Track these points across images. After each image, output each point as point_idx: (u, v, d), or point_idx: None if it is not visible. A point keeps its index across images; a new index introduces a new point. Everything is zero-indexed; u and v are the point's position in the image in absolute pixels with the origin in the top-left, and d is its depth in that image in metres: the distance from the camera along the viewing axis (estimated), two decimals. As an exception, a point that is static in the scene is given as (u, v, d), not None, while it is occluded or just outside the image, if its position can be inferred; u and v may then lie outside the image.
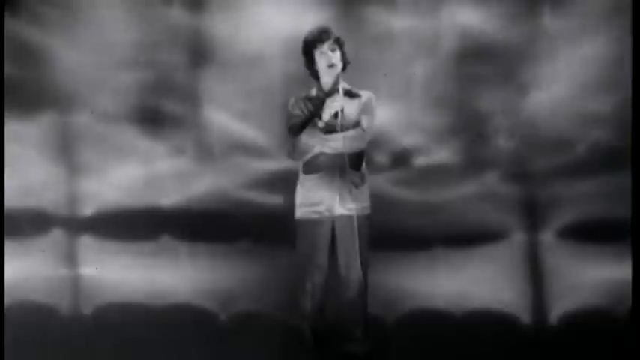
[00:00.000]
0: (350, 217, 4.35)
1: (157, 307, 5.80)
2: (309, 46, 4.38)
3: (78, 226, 5.94)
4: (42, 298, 5.82)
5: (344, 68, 4.42)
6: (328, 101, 4.31)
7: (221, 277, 5.81)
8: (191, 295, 5.82)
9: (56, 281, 5.87)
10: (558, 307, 5.65)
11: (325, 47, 4.34)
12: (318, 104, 4.35)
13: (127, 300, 5.82)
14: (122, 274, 5.87)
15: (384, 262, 5.32)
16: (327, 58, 4.34)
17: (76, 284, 5.90)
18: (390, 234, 5.43)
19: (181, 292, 5.83)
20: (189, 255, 5.86)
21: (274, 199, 5.77)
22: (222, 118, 5.92)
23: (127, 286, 5.84)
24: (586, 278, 5.60)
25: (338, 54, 4.37)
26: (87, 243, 5.95)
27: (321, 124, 4.30)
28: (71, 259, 5.93)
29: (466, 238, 5.74)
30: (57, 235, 5.93)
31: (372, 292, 4.46)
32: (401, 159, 5.83)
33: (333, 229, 4.39)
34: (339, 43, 4.39)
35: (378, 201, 4.62)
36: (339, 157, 4.36)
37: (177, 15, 5.87)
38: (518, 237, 5.80)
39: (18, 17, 5.78)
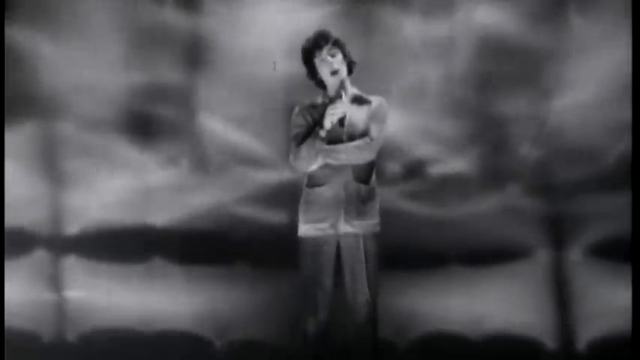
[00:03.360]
0: (356, 236, 4.25)
1: (148, 334, 5.72)
2: (308, 55, 4.33)
3: (62, 245, 5.84)
4: (22, 323, 5.71)
5: (350, 71, 4.36)
6: (329, 108, 4.21)
7: (218, 302, 5.72)
8: (185, 321, 5.72)
9: (38, 306, 5.78)
10: (586, 333, 5.52)
11: (324, 53, 4.28)
12: (323, 112, 4.25)
13: (116, 326, 5.73)
14: (110, 298, 5.77)
15: (395, 282, 5.27)
16: (329, 65, 4.28)
17: (60, 309, 5.81)
18: (402, 252, 5.35)
19: (174, 317, 5.73)
20: (184, 278, 5.77)
21: (276, 215, 5.69)
22: (219, 125, 5.82)
23: (116, 311, 5.74)
24: (617, 301, 5.32)
25: (339, 57, 4.30)
26: (72, 264, 5.84)
27: (322, 133, 4.20)
28: (55, 281, 5.83)
29: (485, 255, 5.60)
30: (39, 255, 5.84)
31: (381, 314, 4.35)
32: (414, 170, 5.72)
33: (338, 248, 4.29)
34: (339, 45, 4.32)
35: (389, 217, 4.50)
36: (344, 169, 4.26)
37: (170, 15, 5.81)
38: (543, 255, 5.63)
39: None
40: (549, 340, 5.56)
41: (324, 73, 4.30)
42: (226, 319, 5.69)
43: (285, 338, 5.27)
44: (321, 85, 4.37)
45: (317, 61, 4.30)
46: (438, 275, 5.62)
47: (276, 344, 5.48)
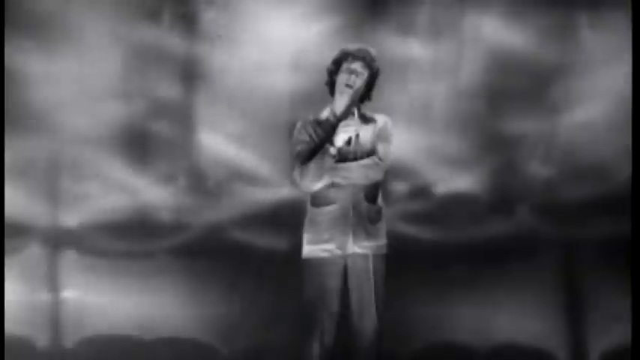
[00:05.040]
0: (364, 257, 4.19)
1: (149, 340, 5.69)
2: (341, 58, 4.30)
3: (60, 240, 5.76)
4: (15, 328, 5.55)
5: (362, 100, 4.34)
6: (342, 125, 4.16)
7: (224, 309, 5.67)
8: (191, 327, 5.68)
9: (32, 308, 5.66)
10: (600, 344, 5.51)
11: (354, 65, 4.25)
12: (328, 129, 4.21)
13: (116, 332, 5.66)
14: (111, 299, 5.70)
15: (398, 289, 5.04)
16: (348, 77, 4.25)
17: (56, 311, 5.70)
18: (409, 270, 5.29)
19: (178, 323, 5.68)
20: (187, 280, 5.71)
21: (278, 236, 5.61)
22: (218, 142, 5.79)
23: (116, 314, 5.67)
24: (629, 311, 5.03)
25: (362, 80, 4.27)
26: (70, 260, 5.75)
27: (333, 151, 4.13)
28: (51, 281, 5.74)
29: (491, 259, 5.59)
30: (34, 251, 5.74)
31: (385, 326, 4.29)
32: (419, 190, 5.70)
33: (345, 270, 4.22)
34: (371, 71, 4.30)
35: (395, 238, 4.46)
36: (352, 188, 4.20)
37: (167, 29, 5.80)
38: (553, 261, 5.66)
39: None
40: (560, 352, 5.55)
41: (340, 79, 4.26)
42: (232, 325, 5.65)
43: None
44: (331, 91, 4.34)
45: (344, 66, 4.27)
46: (443, 282, 5.59)
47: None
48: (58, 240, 5.72)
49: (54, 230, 5.72)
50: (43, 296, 5.69)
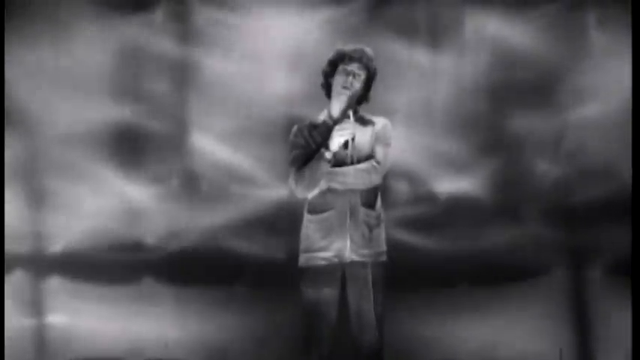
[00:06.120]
0: (363, 265, 4.12)
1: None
2: (337, 59, 4.25)
3: (44, 265, 5.77)
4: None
5: (359, 102, 4.28)
6: (337, 128, 4.08)
7: (213, 329, 5.65)
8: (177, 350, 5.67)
9: (17, 333, 5.63)
10: None
11: (351, 66, 4.21)
12: (325, 132, 4.15)
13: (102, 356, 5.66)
14: (97, 324, 5.67)
15: (400, 305, 5.16)
16: (345, 79, 4.20)
17: (41, 336, 5.72)
18: (407, 276, 5.25)
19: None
20: (175, 302, 5.72)
21: (274, 242, 5.64)
22: (211, 143, 5.77)
23: (103, 339, 5.66)
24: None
25: (359, 81, 4.23)
26: (55, 286, 5.75)
27: (328, 155, 4.05)
28: (36, 305, 5.75)
29: (497, 276, 5.57)
30: (18, 276, 5.75)
31: (385, 341, 4.21)
32: (421, 194, 5.68)
33: (343, 280, 4.16)
34: (369, 72, 4.25)
35: (395, 244, 4.44)
36: (350, 193, 4.13)
37: (160, 27, 5.78)
38: (560, 276, 5.63)
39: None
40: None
41: (337, 81, 4.21)
42: (221, 349, 5.66)
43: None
44: (328, 93, 4.29)
45: (340, 68, 4.22)
46: (447, 297, 5.58)
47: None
48: (41, 263, 5.76)
49: (38, 254, 5.74)
50: (28, 321, 5.70)
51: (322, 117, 4.25)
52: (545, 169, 5.63)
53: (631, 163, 4.90)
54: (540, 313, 5.52)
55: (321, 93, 4.30)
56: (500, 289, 5.57)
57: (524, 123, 5.64)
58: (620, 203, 5.42)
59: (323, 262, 4.13)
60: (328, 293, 4.14)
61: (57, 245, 5.75)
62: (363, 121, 4.20)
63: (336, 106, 4.21)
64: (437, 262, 5.57)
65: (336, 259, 4.11)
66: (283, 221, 5.44)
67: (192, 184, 5.78)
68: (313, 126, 4.23)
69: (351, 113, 4.13)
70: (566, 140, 5.64)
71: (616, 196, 5.51)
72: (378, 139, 4.20)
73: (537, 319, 5.52)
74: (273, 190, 5.67)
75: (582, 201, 5.62)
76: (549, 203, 5.63)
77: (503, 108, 5.65)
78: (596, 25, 5.59)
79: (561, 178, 5.63)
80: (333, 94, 4.21)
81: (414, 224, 5.63)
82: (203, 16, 5.78)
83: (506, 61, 5.62)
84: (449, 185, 5.68)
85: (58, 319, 5.70)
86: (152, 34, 5.76)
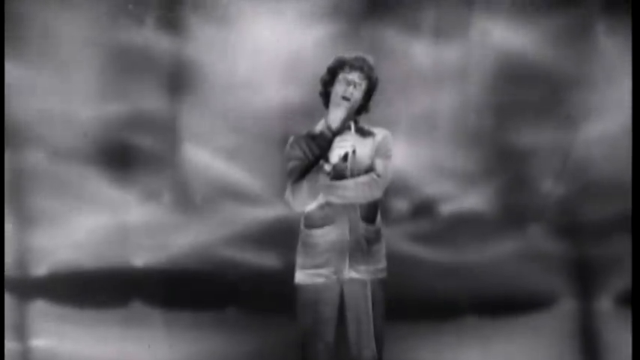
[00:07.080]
0: (362, 282, 4.08)
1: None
2: (337, 67, 4.20)
3: (29, 288, 5.74)
4: None
5: (359, 112, 4.24)
6: (337, 140, 4.02)
7: (204, 353, 5.60)
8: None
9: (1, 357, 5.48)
10: None
11: (352, 75, 4.15)
12: (323, 144, 4.10)
13: None
14: (83, 348, 5.63)
15: (402, 334, 5.23)
16: (345, 88, 4.15)
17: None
18: (409, 300, 5.29)
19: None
20: (165, 325, 5.68)
21: (269, 259, 5.62)
22: (205, 157, 5.76)
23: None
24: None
25: (360, 91, 4.17)
26: (40, 309, 5.71)
27: (327, 168, 4.00)
28: (20, 329, 5.71)
29: (502, 304, 5.56)
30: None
31: None
32: (423, 209, 5.68)
33: (341, 297, 4.12)
34: (370, 83, 4.20)
35: (395, 261, 4.33)
36: (349, 208, 4.09)
37: (151, 36, 5.73)
38: (568, 304, 5.64)
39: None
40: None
41: (336, 91, 4.16)
42: None
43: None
44: (326, 102, 4.24)
45: (340, 76, 4.16)
46: (450, 326, 5.59)
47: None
48: (26, 285, 5.74)
49: (23, 276, 5.70)
50: (11, 345, 5.63)
51: (319, 127, 4.20)
52: (550, 185, 5.63)
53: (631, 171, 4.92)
54: (546, 342, 5.54)
55: (318, 104, 4.25)
56: (504, 317, 5.56)
57: (531, 136, 5.64)
58: (626, 220, 5.32)
59: (321, 280, 4.08)
60: (326, 312, 4.08)
61: (42, 267, 5.72)
62: (362, 133, 4.16)
63: (335, 117, 4.16)
64: (439, 278, 5.56)
65: (334, 276, 4.06)
66: (279, 237, 5.40)
67: (185, 199, 5.76)
68: (311, 137, 4.19)
69: (352, 124, 4.07)
70: (573, 154, 5.64)
71: (625, 211, 5.34)
72: (378, 151, 4.16)
73: (543, 349, 5.54)
74: (268, 205, 5.65)
75: (590, 217, 5.60)
76: (555, 219, 5.64)
77: (508, 120, 5.64)
78: (605, 32, 5.58)
79: (568, 193, 5.62)
80: (332, 103, 4.17)
81: (415, 240, 5.63)
82: (197, 28, 5.76)
83: (512, 74, 5.61)
84: (452, 200, 5.70)
85: (43, 342, 5.66)
86: (145, 48, 5.73)
